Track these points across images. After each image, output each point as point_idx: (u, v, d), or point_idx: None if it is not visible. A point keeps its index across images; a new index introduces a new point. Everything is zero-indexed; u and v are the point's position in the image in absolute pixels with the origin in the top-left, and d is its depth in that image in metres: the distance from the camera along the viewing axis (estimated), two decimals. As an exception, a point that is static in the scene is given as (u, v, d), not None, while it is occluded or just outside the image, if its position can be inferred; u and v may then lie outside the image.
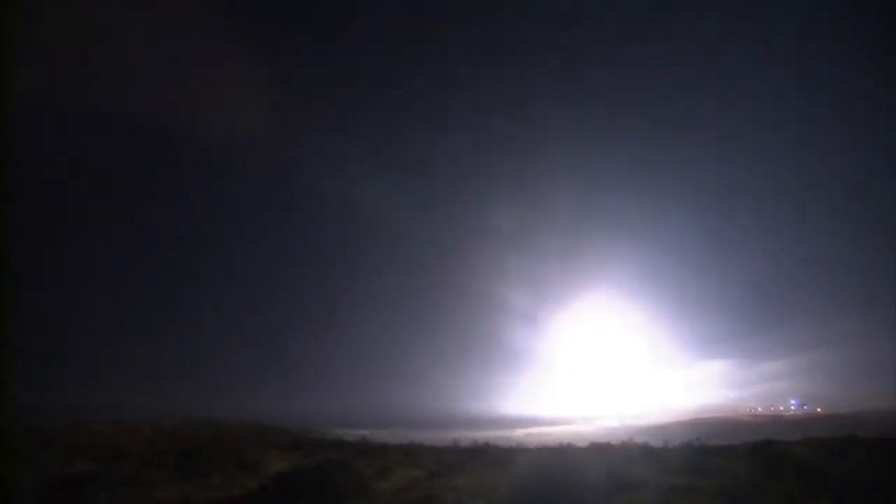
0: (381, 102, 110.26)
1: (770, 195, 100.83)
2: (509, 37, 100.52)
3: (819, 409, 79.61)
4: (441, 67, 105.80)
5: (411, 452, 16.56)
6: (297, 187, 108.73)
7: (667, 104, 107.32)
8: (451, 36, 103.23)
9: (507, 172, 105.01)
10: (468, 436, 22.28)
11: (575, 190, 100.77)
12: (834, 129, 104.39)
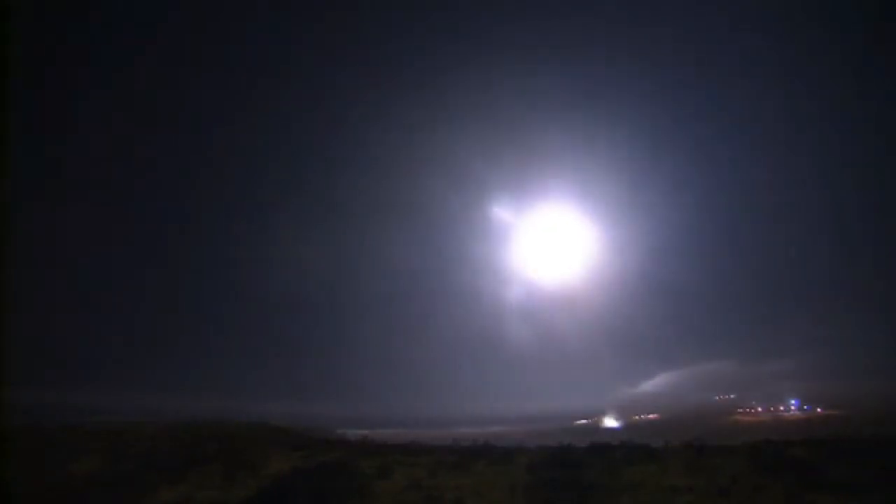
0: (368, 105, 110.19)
1: (771, 194, 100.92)
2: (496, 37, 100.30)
3: (819, 409, 79.53)
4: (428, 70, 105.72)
5: (412, 452, 16.52)
6: (298, 189, 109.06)
7: (669, 101, 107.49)
8: (436, 37, 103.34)
9: (505, 168, 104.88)
10: (468, 434, 22.29)
11: (573, 186, 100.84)
12: (837, 128, 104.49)
